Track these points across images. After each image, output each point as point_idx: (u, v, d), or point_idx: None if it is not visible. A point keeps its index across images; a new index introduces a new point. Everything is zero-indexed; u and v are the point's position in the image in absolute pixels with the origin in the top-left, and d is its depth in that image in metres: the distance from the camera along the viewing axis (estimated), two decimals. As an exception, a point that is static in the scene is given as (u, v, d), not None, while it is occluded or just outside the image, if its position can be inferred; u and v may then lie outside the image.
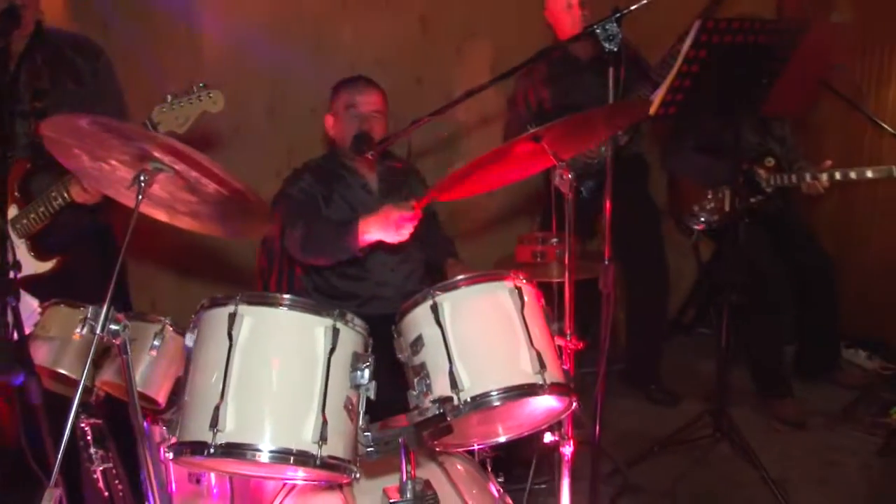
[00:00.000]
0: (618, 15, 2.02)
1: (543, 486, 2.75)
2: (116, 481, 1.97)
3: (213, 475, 2.21)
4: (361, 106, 2.70)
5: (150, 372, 1.96)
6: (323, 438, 1.56)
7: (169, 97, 2.18)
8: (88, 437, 1.93)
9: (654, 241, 3.69)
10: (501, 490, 2.07)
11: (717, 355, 3.04)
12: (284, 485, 1.96)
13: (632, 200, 3.22)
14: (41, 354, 1.96)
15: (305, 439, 1.56)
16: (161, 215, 1.89)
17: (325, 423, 1.57)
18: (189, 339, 1.72)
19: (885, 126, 3.16)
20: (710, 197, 3.62)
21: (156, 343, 1.85)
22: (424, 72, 3.93)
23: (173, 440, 1.64)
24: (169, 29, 3.46)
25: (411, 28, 3.90)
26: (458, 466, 2.03)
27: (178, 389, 1.75)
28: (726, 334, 2.92)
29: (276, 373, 1.61)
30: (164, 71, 3.48)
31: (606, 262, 2.21)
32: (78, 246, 2.55)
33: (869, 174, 3.18)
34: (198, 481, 2.20)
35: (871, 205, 4.08)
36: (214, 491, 2.23)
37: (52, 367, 1.97)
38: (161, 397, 2.02)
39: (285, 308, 1.66)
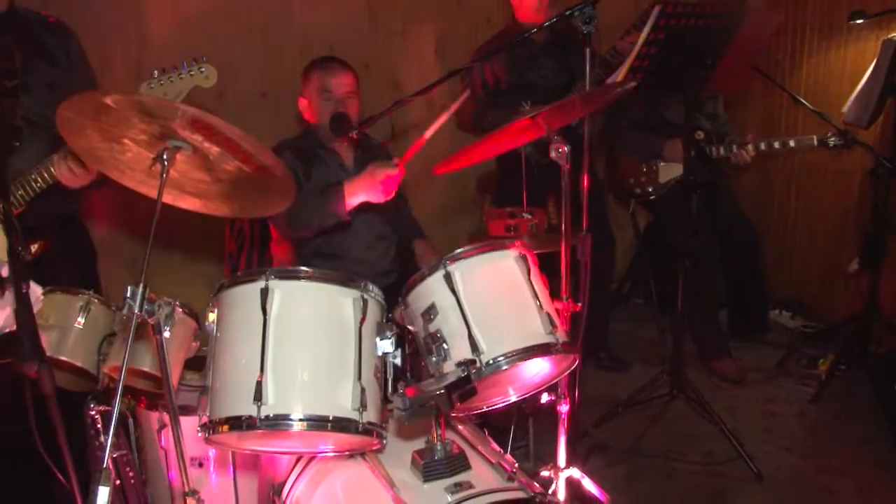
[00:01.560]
0: (594, -1, 2.14)
1: (518, 450, 2.87)
2: (128, 468, 1.94)
3: (212, 457, 2.20)
4: (336, 89, 2.72)
5: (164, 354, 1.92)
6: (363, 405, 1.62)
7: (156, 72, 2.13)
8: (99, 426, 1.89)
9: (600, 214, 3.84)
10: (500, 449, 2.17)
11: (672, 318, 3.23)
12: (300, 458, 1.99)
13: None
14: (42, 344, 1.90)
15: (345, 406, 1.61)
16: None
17: (363, 390, 1.63)
18: (211, 319, 1.74)
19: (806, 103, 3.42)
20: (644, 170, 3.83)
21: (167, 326, 1.83)
22: (371, 57, 3.96)
23: (204, 419, 1.66)
24: (115, 14, 3.34)
25: (358, 14, 3.92)
26: (461, 428, 2.11)
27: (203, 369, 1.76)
28: (682, 299, 3.11)
29: (311, 344, 1.66)
30: (111, 56, 3.37)
31: (584, 233, 2.34)
32: (53, 231, 2.46)
33: (791, 143, 3.46)
34: (200, 465, 2.19)
35: (789, 174, 4.39)
36: (213, 475, 2.23)
37: (54, 355, 1.92)
38: (174, 380, 2.00)
39: (314, 281, 1.70)
